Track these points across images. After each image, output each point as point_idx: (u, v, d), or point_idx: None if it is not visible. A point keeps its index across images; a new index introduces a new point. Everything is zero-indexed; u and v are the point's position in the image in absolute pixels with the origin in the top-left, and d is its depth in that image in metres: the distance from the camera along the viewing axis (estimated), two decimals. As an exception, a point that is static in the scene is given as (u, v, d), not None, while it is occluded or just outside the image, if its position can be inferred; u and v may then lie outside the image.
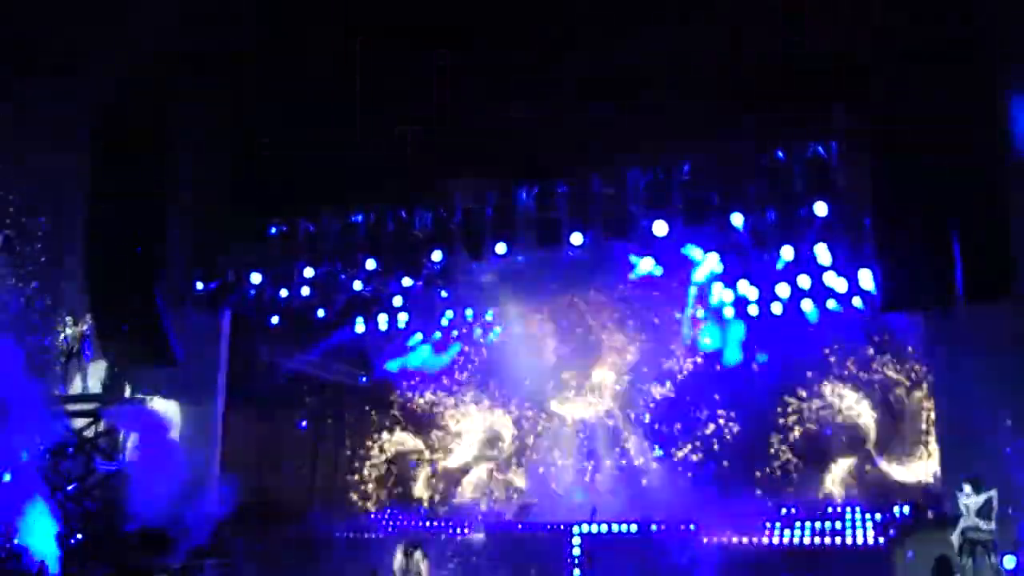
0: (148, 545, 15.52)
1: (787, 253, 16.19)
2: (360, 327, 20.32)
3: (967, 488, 13.56)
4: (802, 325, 18.34)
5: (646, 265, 17.79)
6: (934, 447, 16.75)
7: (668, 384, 20.52)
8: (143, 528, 15.72)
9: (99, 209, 16.66)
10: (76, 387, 17.57)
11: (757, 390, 19.42)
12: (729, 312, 18.75)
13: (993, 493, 13.46)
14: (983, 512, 13.33)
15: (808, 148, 14.67)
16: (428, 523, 20.03)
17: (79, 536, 15.92)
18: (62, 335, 17.09)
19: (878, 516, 16.75)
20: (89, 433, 17.46)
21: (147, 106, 16.99)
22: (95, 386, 17.60)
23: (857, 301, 17.15)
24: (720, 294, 18.47)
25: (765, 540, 17.01)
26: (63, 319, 17.13)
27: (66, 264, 17.18)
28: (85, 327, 17.03)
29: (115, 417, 17.23)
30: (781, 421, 19.53)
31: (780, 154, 14.87)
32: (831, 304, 17.67)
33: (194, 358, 17.61)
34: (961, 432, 14.38)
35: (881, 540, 16.05)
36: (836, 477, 19.12)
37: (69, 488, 16.78)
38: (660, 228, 15.57)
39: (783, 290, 17.66)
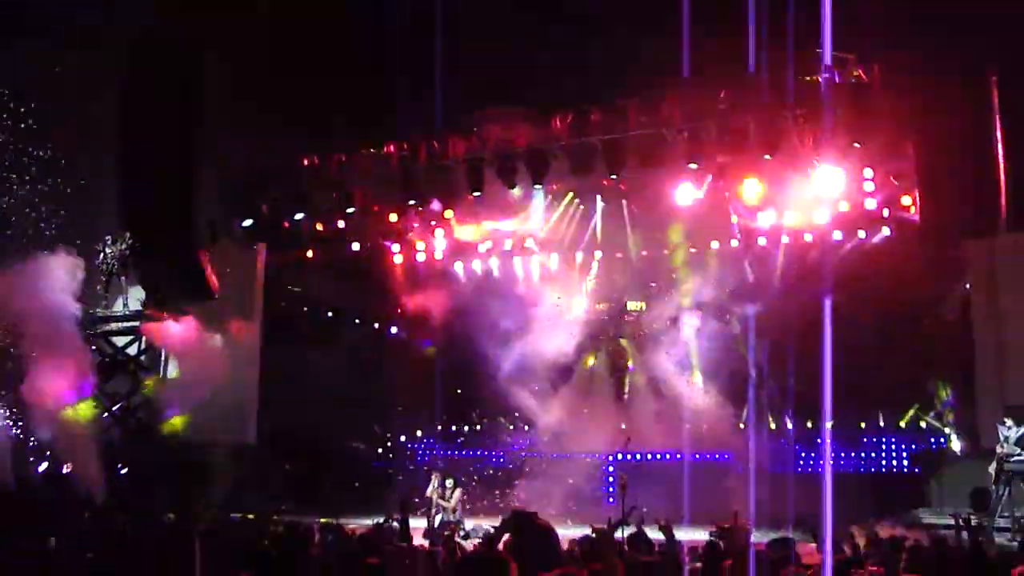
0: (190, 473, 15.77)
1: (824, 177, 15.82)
2: (398, 259, 20.38)
3: (1008, 421, 13.59)
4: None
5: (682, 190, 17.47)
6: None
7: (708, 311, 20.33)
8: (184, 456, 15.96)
9: (132, 143, 16.58)
10: (118, 306, 17.67)
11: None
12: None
13: None
14: (1021, 441, 13.34)
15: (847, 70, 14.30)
16: (463, 452, 20.23)
17: (125, 467, 16.16)
18: (102, 255, 17.10)
19: (913, 446, 16.68)
20: (132, 351, 17.57)
21: (180, 38, 16.81)
22: (135, 304, 17.69)
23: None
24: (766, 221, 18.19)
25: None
26: (103, 239, 17.12)
27: (105, 187, 17.06)
28: (124, 247, 16.97)
29: (157, 334, 17.27)
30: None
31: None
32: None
33: (231, 293, 17.66)
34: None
35: (917, 469, 16.00)
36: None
37: (115, 408, 16.97)
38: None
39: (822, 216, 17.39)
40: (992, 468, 13.64)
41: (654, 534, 8.76)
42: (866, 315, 18.36)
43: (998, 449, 13.45)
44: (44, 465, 15.72)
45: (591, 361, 21.62)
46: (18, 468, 14.70)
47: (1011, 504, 13.34)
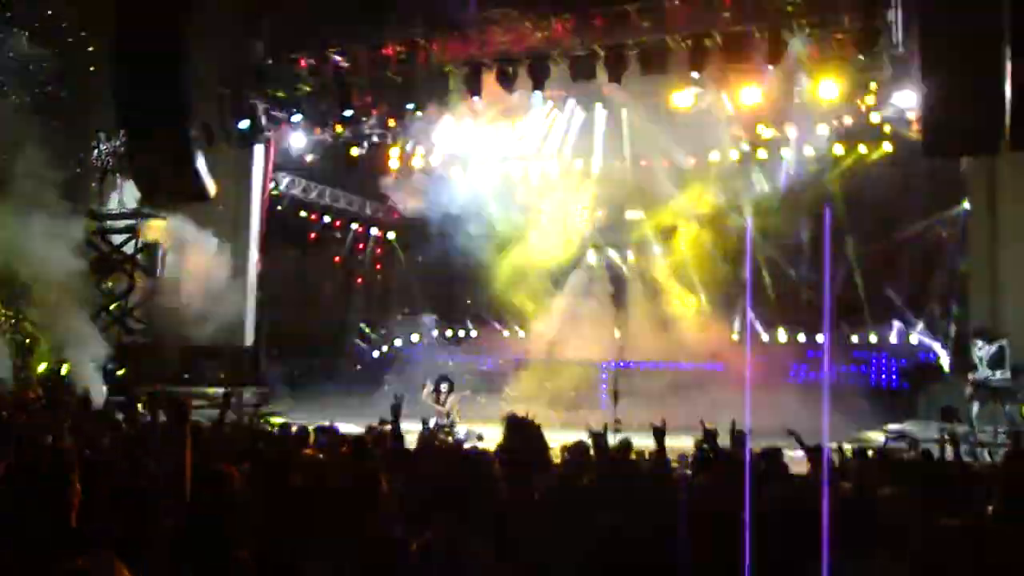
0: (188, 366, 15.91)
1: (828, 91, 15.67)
2: (395, 163, 20.29)
3: (979, 341, 13.76)
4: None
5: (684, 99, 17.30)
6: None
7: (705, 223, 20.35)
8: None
9: (126, 39, 16.24)
10: (113, 203, 17.55)
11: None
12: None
13: (1004, 343, 13.62)
14: (994, 361, 13.52)
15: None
16: (459, 357, 20.45)
17: (122, 366, 16.25)
18: (95, 151, 16.89)
19: (903, 361, 16.87)
20: (128, 249, 17.51)
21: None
22: (131, 202, 17.56)
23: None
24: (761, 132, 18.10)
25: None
26: (97, 135, 16.91)
27: (98, 83, 16.76)
28: (118, 143, 16.75)
29: (152, 232, 17.20)
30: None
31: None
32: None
33: (226, 196, 17.54)
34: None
35: (905, 384, 16.20)
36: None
37: (111, 307, 17.00)
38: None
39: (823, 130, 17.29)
40: (968, 391, 13.82)
41: (644, 440, 8.87)
42: (864, 231, 18.45)
43: (971, 375, 13.66)
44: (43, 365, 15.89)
45: (588, 269, 21.70)
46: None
47: (994, 420, 13.56)
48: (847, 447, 10.07)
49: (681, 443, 8.99)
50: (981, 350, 13.65)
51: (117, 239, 17.53)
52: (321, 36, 17.72)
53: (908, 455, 9.36)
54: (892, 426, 14.27)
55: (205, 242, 17.01)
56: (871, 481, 6.81)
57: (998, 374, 13.41)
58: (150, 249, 17.32)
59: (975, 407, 13.59)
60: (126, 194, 17.38)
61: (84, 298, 15.95)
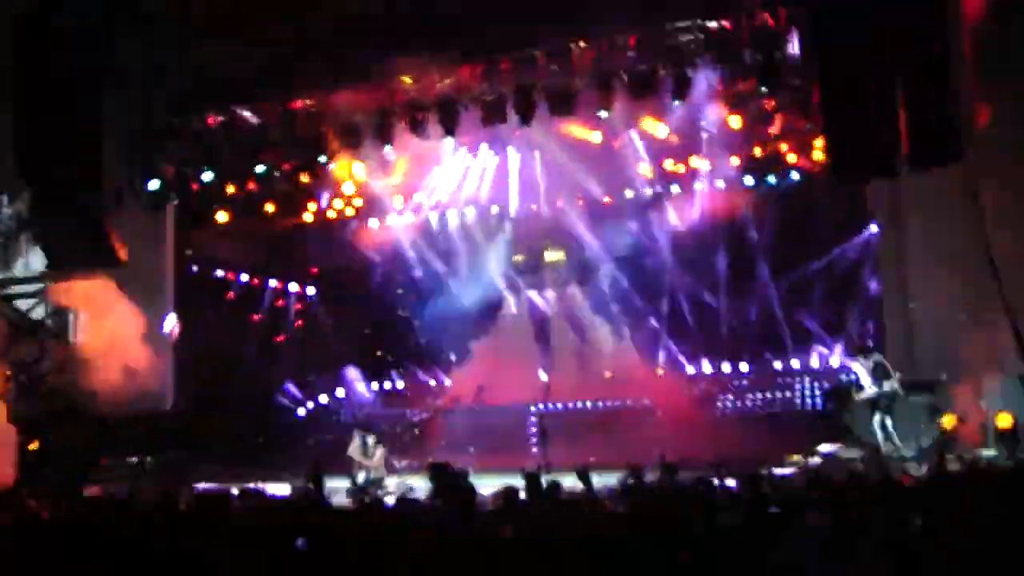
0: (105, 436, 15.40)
1: (735, 123, 16.07)
2: (310, 217, 20.12)
3: (859, 358, 14.30)
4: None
5: (594, 138, 17.56)
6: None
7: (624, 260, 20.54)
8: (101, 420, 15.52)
9: (28, 100, 15.83)
10: (19, 268, 16.94)
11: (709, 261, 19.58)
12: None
13: (878, 357, 14.24)
14: (877, 374, 13.99)
15: (755, 17, 14.40)
16: (385, 409, 20.23)
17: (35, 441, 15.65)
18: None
19: (826, 383, 17.16)
20: (36, 315, 16.81)
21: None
22: (39, 266, 16.96)
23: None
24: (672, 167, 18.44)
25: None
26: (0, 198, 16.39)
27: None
28: (23, 205, 16.23)
29: (63, 296, 16.61)
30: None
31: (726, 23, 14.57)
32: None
33: (138, 260, 17.06)
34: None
35: (830, 405, 16.46)
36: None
37: (23, 377, 16.33)
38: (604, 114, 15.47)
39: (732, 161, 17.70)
40: (862, 406, 14.25)
41: (572, 481, 8.81)
42: (778, 259, 18.85)
43: (859, 396, 14.11)
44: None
45: (510, 312, 21.68)
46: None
47: (910, 431, 13.86)
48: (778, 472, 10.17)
49: (612, 481, 8.95)
50: (863, 367, 14.16)
51: (24, 305, 16.90)
52: (228, 92, 17.54)
53: (837, 475, 9.43)
54: (822, 447, 14.45)
55: (118, 305, 16.53)
56: (799, 506, 6.84)
57: (886, 385, 13.84)
58: (61, 315, 16.73)
59: (883, 420, 13.95)
60: (32, 258, 16.81)
61: None
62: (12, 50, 15.64)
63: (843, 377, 16.99)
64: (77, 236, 16.27)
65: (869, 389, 14.00)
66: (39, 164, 15.89)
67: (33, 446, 15.43)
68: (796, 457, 14.49)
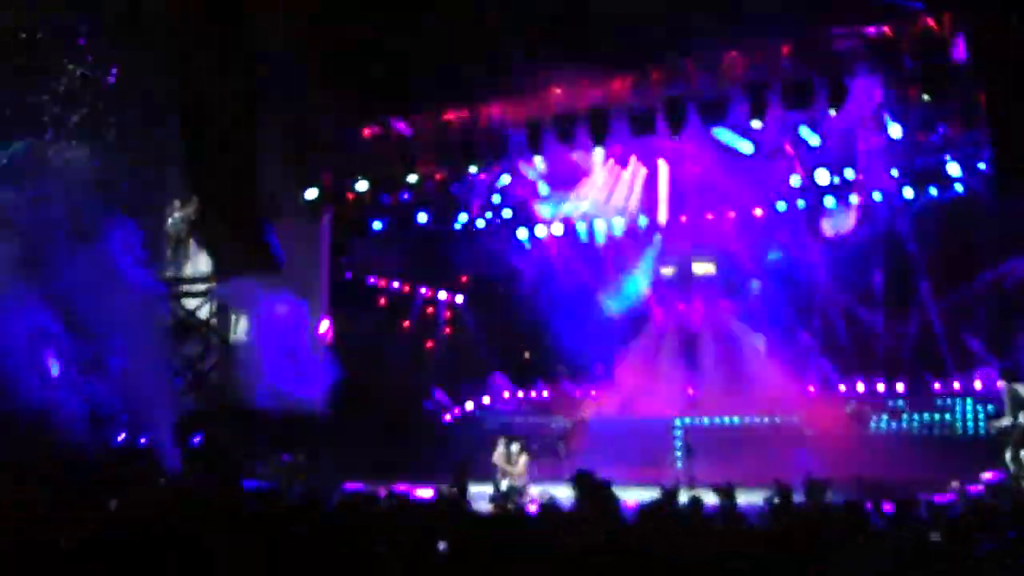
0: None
1: (895, 132, 15.47)
2: (459, 225, 20.43)
3: (1008, 383, 13.42)
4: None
5: (746, 149, 17.22)
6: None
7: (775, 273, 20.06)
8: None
9: (192, 117, 16.68)
10: (188, 269, 17.86)
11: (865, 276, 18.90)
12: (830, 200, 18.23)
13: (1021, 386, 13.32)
14: (1017, 404, 13.16)
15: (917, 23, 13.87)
16: (530, 417, 20.32)
17: (198, 436, 16.35)
18: (170, 219, 17.32)
19: (990, 407, 16.28)
20: (203, 314, 17.74)
21: (236, 22, 16.80)
22: (205, 268, 17.74)
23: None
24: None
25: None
26: (171, 203, 17.33)
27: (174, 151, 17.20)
28: (192, 211, 17.13)
29: (227, 297, 17.40)
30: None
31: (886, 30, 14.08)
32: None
33: (295, 265, 17.71)
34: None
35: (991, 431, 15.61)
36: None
37: (188, 373, 17.19)
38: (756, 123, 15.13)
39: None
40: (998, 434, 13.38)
41: (713, 498, 8.64)
42: (939, 276, 18.04)
43: (998, 422, 13.21)
44: (122, 436, 16.06)
45: (658, 325, 21.47)
46: (95, 438, 15.02)
47: None
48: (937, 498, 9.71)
49: (755, 499, 8.73)
50: (1009, 393, 13.28)
51: (191, 304, 17.81)
52: (383, 104, 18.06)
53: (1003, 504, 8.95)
54: (985, 475, 13.73)
55: (278, 307, 17.20)
56: (963, 534, 6.52)
57: (1021, 417, 12.97)
58: (224, 314, 17.54)
59: (1017, 453, 13.09)
60: (199, 260, 17.72)
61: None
62: (179, 67, 16.58)
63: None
64: (238, 241, 17.07)
65: (1006, 418, 13.19)
66: (203, 172, 16.77)
67: (198, 440, 16.19)
68: (956, 484, 13.80)
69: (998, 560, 5.48)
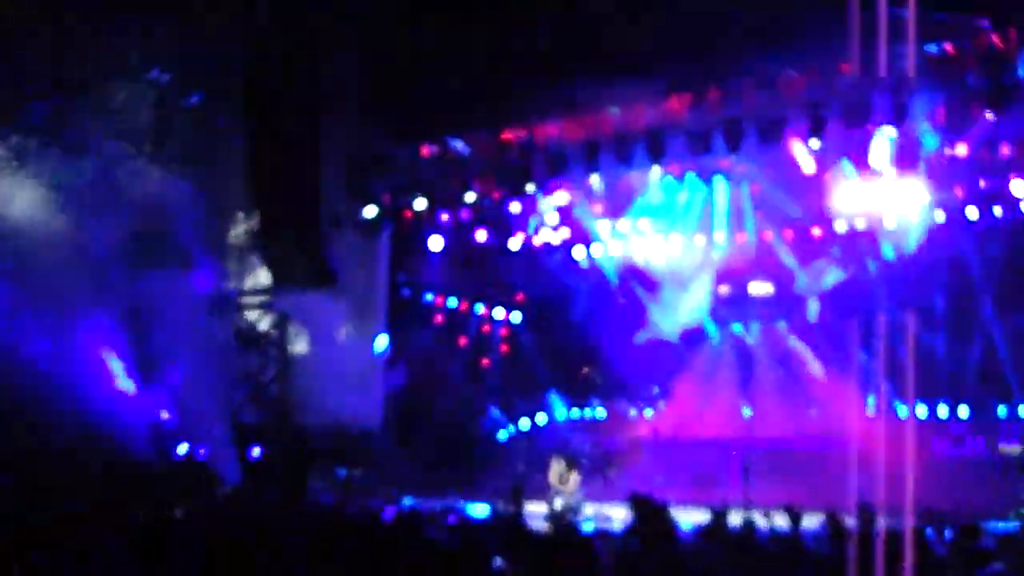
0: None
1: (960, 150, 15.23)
2: (516, 244, 20.48)
3: None
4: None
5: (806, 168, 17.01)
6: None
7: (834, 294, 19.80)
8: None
9: (256, 140, 16.98)
10: (249, 282, 18.09)
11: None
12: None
13: None
14: None
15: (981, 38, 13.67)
16: (585, 436, 20.28)
17: (257, 448, 16.54)
18: (233, 232, 17.59)
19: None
20: (263, 326, 17.87)
21: (297, 40, 17.11)
22: (266, 280, 17.88)
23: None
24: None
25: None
26: (234, 215, 17.61)
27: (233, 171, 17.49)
28: (255, 223, 17.44)
29: (288, 309, 17.49)
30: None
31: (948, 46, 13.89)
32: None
33: (354, 282, 17.92)
34: None
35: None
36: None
37: (248, 385, 17.35)
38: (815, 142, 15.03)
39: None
40: None
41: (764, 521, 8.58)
42: (1003, 297, 17.69)
43: None
44: (184, 447, 16.32)
45: (714, 345, 21.31)
46: (159, 449, 15.30)
47: None
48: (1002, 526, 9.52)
49: (813, 522, 8.65)
50: None
51: (252, 317, 18.03)
52: (441, 122, 18.26)
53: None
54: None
55: (336, 321, 17.34)
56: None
57: None
58: (284, 327, 17.70)
59: None
60: (261, 272, 17.93)
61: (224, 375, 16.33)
62: (241, 86, 16.91)
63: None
64: (297, 256, 17.33)
65: None
66: (265, 186, 17.07)
67: (255, 452, 16.41)
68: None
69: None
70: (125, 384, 15.04)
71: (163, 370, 15.49)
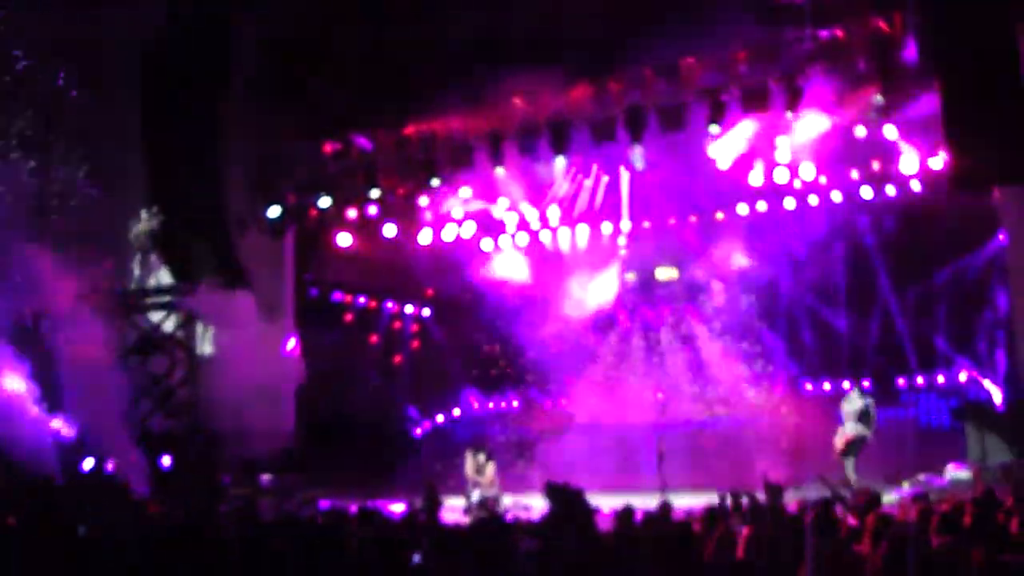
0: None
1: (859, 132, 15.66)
2: (426, 240, 20.39)
3: (852, 394, 14.95)
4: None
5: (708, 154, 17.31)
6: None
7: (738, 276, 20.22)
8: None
9: (156, 137, 16.54)
10: (151, 282, 17.46)
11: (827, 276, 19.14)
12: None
13: (870, 401, 14.83)
14: (862, 418, 14.62)
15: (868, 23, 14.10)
16: (499, 429, 20.38)
17: (168, 456, 16.06)
18: (134, 231, 17.02)
19: (953, 401, 16.58)
20: (168, 327, 17.08)
21: (200, 36, 16.72)
22: (169, 279, 17.19)
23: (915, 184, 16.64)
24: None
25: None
26: (136, 214, 17.06)
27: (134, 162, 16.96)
28: (156, 223, 16.81)
29: (192, 308, 16.80)
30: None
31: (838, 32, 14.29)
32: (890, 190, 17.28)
33: (260, 283, 17.52)
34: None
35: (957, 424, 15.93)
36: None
37: (155, 390, 16.70)
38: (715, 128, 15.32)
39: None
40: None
41: (688, 499, 8.72)
42: (899, 273, 18.28)
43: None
44: (89, 461, 15.81)
45: (624, 331, 21.56)
46: (64, 464, 14.78)
47: None
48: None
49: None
50: (850, 404, 14.86)
51: (156, 318, 17.36)
52: (344, 120, 18.06)
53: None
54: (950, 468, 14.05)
55: (245, 321, 16.83)
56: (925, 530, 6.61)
57: (861, 429, 14.68)
58: (189, 327, 17.09)
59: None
60: (164, 272, 17.38)
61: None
62: (140, 80, 16.45)
63: (971, 394, 16.40)
64: (205, 255, 16.88)
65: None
66: (168, 187, 16.63)
67: (166, 461, 15.95)
68: (923, 477, 14.10)
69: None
70: (20, 399, 14.48)
71: (61, 380, 14.92)
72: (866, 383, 17.34)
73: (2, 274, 14.28)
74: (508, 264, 21.61)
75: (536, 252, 21.50)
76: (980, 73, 12.46)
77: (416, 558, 5.81)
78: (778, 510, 7.89)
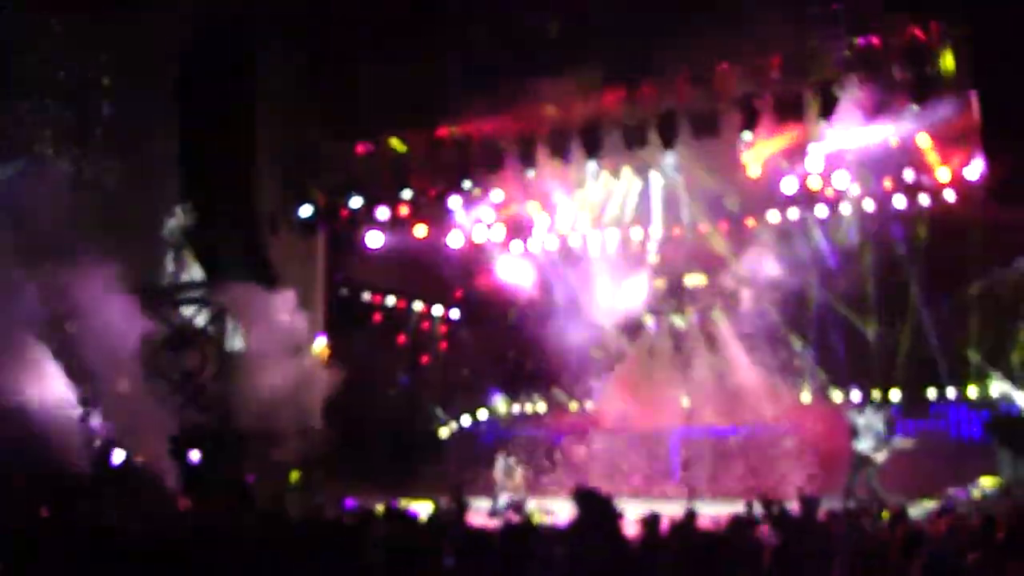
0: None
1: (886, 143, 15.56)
2: (457, 242, 20.42)
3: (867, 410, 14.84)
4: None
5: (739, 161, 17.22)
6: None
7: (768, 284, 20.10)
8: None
9: (191, 134, 16.70)
10: (185, 277, 17.52)
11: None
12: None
13: (884, 421, 14.70)
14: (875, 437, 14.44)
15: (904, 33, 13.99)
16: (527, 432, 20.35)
17: (196, 450, 16.14)
18: (167, 227, 17.18)
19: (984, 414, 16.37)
20: (199, 321, 17.25)
21: (233, 37, 16.88)
22: (200, 274, 17.41)
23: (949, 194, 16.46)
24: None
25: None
26: (170, 210, 17.21)
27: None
28: (189, 220, 17.05)
29: (224, 303, 16.92)
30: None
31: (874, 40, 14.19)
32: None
33: (290, 281, 17.59)
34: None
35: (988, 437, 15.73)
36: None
37: (186, 383, 16.85)
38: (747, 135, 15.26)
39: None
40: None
41: (713, 508, 8.68)
42: (932, 285, 18.09)
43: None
44: (120, 454, 15.92)
45: (652, 337, 21.49)
46: (94, 458, 14.90)
47: None
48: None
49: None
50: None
51: (188, 312, 17.45)
52: (376, 120, 18.13)
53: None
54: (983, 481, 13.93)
55: (275, 317, 16.89)
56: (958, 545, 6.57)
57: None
58: (221, 322, 17.20)
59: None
60: (197, 268, 17.52)
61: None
62: (177, 79, 16.63)
63: (1003, 407, 16.21)
64: (235, 255, 17.02)
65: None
66: (200, 184, 16.78)
67: (196, 456, 16.05)
68: (952, 491, 13.97)
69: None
70: (55, 392, 14.60)
71: (92, 374, 15.04)
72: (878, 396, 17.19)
73: (36, 270, 14.41)
74: (537, 267, 21.63)
75: (566, 255, 21.47)
76: (1020, 85, 12.33)
77: (448, 560, 5.83)
78: (811, 523, 7.84)
